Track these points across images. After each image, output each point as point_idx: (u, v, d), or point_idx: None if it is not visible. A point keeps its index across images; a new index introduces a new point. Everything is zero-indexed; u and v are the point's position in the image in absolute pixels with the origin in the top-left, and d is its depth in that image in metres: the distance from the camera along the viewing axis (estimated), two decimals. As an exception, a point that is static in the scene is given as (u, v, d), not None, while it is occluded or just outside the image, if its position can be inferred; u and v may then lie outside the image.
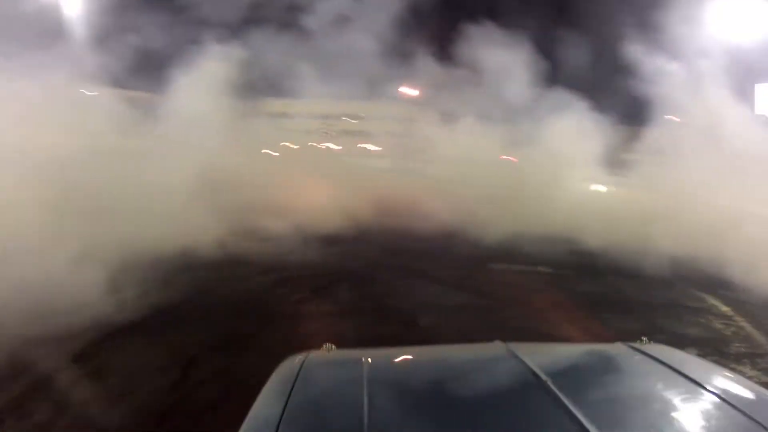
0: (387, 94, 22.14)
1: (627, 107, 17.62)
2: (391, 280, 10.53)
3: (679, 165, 15.66)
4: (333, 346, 2.42)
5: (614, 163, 17.32)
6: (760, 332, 8.56)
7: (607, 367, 2.35)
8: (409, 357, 2.54)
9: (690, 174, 15.20)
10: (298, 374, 2.06)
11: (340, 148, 22.52)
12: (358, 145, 22.91)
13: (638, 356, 2.30)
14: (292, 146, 19.53)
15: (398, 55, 17.90)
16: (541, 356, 2.28)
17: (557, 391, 1.82)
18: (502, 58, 17.64)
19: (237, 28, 16.16)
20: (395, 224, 14.99)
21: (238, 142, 15.62)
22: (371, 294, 9.53)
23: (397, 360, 2.47)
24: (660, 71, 16.12)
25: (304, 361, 2.20)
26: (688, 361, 2.33)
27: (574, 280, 11.25)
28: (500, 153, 18.79)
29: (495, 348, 2.34)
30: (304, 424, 1.78)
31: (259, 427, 1.74)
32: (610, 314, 9.00)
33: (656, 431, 1.74)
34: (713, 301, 10.13)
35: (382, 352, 2.57)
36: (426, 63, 19.04)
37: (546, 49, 17.55)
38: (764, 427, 1.66)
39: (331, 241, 12.98)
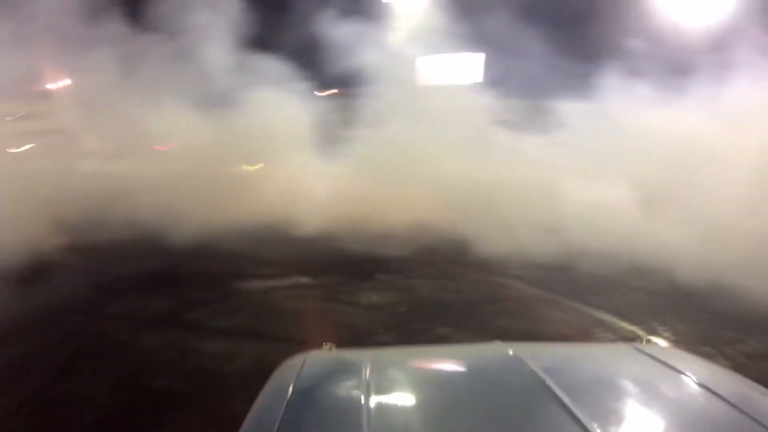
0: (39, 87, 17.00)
1: (333, 78, 15.86)
2: (134, 340, 6.80)
3: (394, 138, 14.47)
4: (333, 346, 2.37)
5: (328, 139, 15.37)
6: (609, 314, 7.76)
7: (607, 367, 2.24)
8: (410, 357, 2.46)
9: (407, 147, 14.10)
10: (298, 374, 2.00)
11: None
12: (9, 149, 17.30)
13: (639, 356, 2.24)
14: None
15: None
16: (542, 356, 2.20)
17: (558, 391, 1.77)
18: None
19: None
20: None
21: None
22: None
23: (397, 359, 2.37)
24: (369, 39, 14.70)
25: (304, 361, 2.14)
26: (689, 361, 2.22)
27: (351, 289, 8.89)
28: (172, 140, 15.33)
29: (495, 348, 2.29)
30: (305, 423, 1.72)
31: (259, 427, 1.69)
32: (460, 331, 7.00)
33: (657, 431, 1.70)
34: (531, 289, 8.98)
35: (383, 352, 2.65)
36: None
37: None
38: (765, 427, 1.60)
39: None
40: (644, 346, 2.33)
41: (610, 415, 1.73)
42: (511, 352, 2.16)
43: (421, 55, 16.99)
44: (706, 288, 8.25)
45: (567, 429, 1.59)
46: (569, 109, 14.17)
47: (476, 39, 15.70)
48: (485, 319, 7.39)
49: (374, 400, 1.76)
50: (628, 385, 2.06)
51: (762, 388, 1.87)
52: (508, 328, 6.96)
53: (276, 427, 1.62)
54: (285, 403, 1.76)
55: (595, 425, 1.56)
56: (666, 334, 6.98)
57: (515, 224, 11.45)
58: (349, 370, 2.08)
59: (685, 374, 1.99)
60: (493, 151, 13.98)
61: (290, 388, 1.88)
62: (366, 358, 2.12)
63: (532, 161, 13.36)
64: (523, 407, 1.83)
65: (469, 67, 17.13)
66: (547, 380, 1.86)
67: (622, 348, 2.38)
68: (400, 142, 14.33)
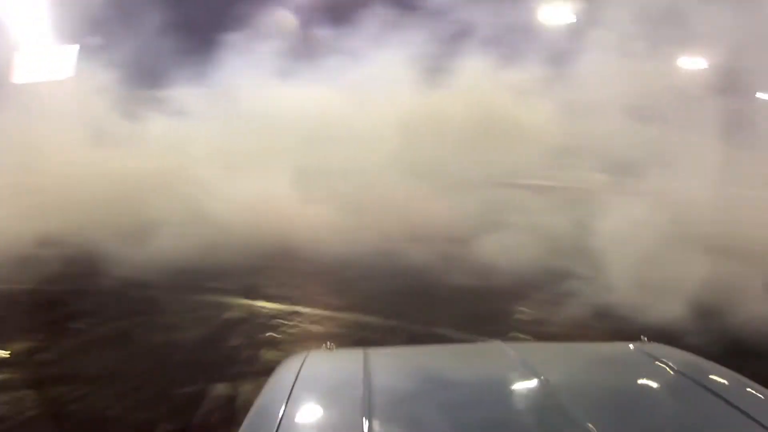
0: None
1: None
2: None
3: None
4: (333, 345, 2.37)
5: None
6: (377, 316, 7.96)
7: (606, 366, 2.31)
8: (410, 356, 2.52)
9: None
10: (298, 373, 2.01)
11: None
12: None
13: (638, 355, 2.28)
14: None
15: None
16: (541, 355, 2.29)
17: (557, 391, 1.81)
18: None
19: None
20: None
21: None
22: None
23: (397, 359, 2.44)
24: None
25: (304, 360, 2.15)
26: (689, 361, 2.29)
27: (59, 356, 7.10)
28: None
29: (494, 347, 2.33)
30: (305, 423, 1.77)
31: (259, 426, 1.70)
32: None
33: (656, 431, 1.71)
34: (253, 303, 8.61)
35: (383, 351, 2.61)
36: None
37: None
38: (764, 427, 1.64)
39: None
40: (644, 345, 2.37)
41: (609, 414, 1.75)
42: (511, 352, 2.20)
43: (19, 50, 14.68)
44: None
45: (567, 429, 1.61)
46: (192, 95, 13.75)
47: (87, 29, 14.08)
48: (261, 362, 6.60)
49: (374, 400, 1.76)
50: (627, 384, 2.10)
51: (762, 388, 1.93)
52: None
53: (276, 427, 1.62)
54: (285, 403, 1.77)
55: (594, 425, 1.58)
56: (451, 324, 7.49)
57: (158, 222, 10.72)
58: (349, 369, 2.09)
59: (685, 374, 2.04)
60: (113, 145, 12.84)
61: (290, 388, 1.88)
62: (366, 358, 2.13)
63: (158, 152, 12.62)
64: (523, 407, 1.89)
65: (66, 59, 15.03)
66: (545, 379, 1.89)
67: (622, 347, 2.42)
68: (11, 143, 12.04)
